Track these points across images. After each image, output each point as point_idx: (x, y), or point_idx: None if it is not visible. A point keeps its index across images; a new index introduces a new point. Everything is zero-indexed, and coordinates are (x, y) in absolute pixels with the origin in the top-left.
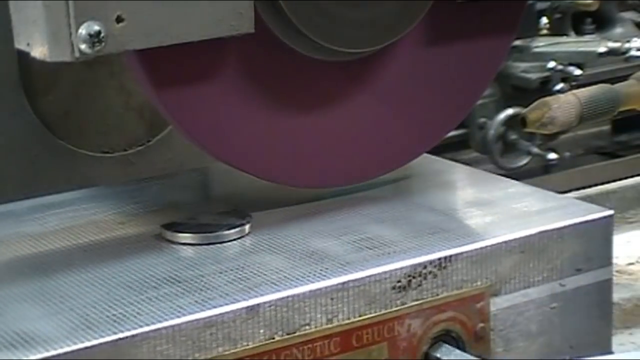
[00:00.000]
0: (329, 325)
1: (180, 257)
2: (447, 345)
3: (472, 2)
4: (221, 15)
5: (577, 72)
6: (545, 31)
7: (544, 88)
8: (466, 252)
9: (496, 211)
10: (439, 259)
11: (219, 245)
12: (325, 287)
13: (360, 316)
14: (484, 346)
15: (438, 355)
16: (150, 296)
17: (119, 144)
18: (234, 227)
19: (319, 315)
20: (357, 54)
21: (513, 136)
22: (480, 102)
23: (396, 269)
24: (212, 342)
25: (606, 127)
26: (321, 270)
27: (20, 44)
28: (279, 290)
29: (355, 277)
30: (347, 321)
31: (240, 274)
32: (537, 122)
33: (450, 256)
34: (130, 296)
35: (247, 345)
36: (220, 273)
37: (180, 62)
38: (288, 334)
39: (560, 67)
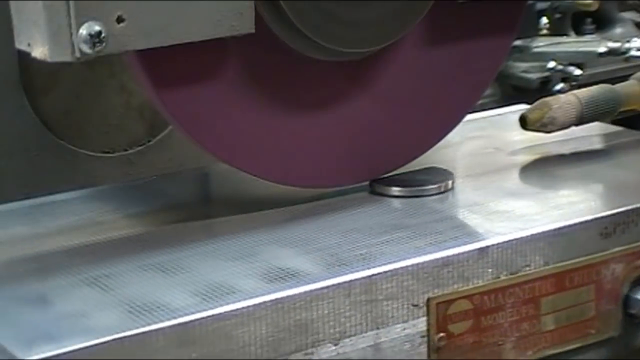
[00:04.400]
0: (546, 267)
1: (395, 208)
2: None
3: (472, 2)
4: (221, 16)
5: (577, 72)
6: (545, 31)
7: (544, 88)
8: None
9: None
10: None
11: (425, 197)
12: (543, 232)
13: (571, 260)
14: None
15: (638, 296)
16: (387, 239)
17: (119, 144)
18: (439, 182)
19: (537, 258)
20: (358, 54)
21: None
22: (480, 102)
23: (603, 217)
24: (449, 280)
25: None
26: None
27: (20, 44)
28: (504, 234)
29: (568, 223)
30: (560, 264)
31: (458, 222)
32: (537, 122)
33: None
34: (367, 239)
35: (478, 283)
36: (440, 221)
37: (181, 62)
38: (511, 274)
39: (560, 67)
